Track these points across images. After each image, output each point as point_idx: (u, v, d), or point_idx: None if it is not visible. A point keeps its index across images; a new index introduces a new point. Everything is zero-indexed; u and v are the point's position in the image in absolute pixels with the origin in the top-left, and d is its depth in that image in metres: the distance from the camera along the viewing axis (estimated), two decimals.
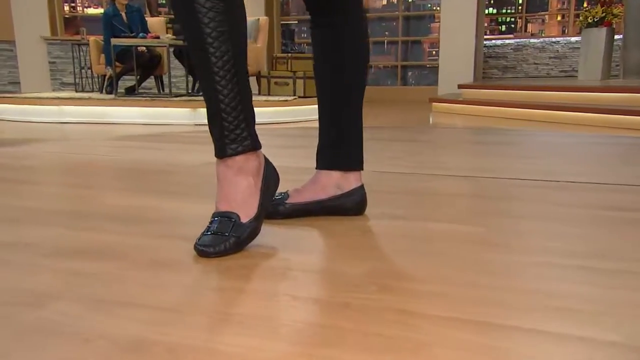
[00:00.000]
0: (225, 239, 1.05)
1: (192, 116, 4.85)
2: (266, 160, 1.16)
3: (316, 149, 1.34)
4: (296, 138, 3.23)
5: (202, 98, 4.99)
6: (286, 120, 4.82)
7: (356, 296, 0.86)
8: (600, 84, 5.28)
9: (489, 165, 2.08)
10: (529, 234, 1.19)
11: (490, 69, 8.94)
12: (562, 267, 0.99)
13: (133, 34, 5.57)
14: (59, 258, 1.05)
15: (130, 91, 5.79)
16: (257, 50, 5.86)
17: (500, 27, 9.30)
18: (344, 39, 1.26)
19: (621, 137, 3.19)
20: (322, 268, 1.00)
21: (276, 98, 4.99)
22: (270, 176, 1.16)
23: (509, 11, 9.05)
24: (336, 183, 1.31)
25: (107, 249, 1.10)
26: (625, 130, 3.87)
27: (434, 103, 6.05)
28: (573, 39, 8.49)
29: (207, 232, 1.07)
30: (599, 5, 6.67)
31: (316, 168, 1.34)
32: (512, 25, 9.09)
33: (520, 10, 8.97)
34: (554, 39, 8.65)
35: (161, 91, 6.20)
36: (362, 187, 1.33)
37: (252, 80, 6.14)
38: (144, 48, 5.59)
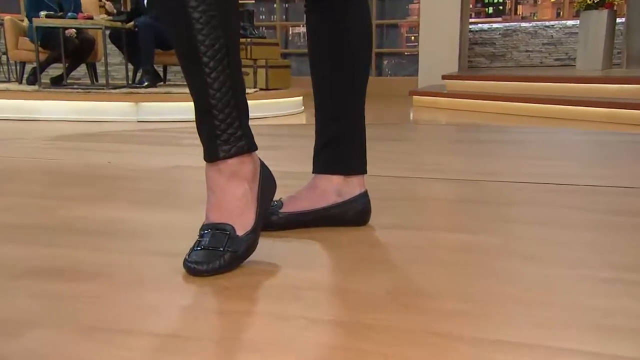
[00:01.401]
0: (220, 254, 1.08)
1: (135, 111, 4.81)
2: (261, 163, 1.19)
3: (313, 149, 1.38)
4: (268, 137, 3.26)
5: (145, 90, 4.94)
6: (250, 116, 4.82)
7: (378, 317, 0.90)
8: (603, 74, 5.48)
9: (493, 167, 2.17)
10: (552, 243, 1.26)
11: (476, 57, 9.16)
12: (594, 279, 1.05)
13: (61, 14, 5.49)
14: (30, 279, 1.06)
15: (57, 81, 5.70)
16: None
17: (486, 9, 9.55)
18: (349, 22, 1.30)
19: (631, 134, 3.33)
20: (333, 286, 1.03)
21: None
22: (266, 182, 1.19)
23: None
24: (337, 189, 1.35)
25: (85, 268, 1.12)
26: (633, 126, 4.03)
27: (415, 96, 6.17)
28: (569, 22, 8.79)
29: (198, 247, 1.10)
30: None
31: (313, 172, 1.38)
32: (501, 7, 9.35)
33: None
34: (547, 23, 8.93)
35: (95, 82, 6.13)
36: (365, 193, 1.37)
37: None
38: (73, 31, 5.51)
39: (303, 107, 5.55)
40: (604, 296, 0.98)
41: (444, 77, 6.42)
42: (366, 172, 1.38)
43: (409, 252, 1.21)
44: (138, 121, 4.71)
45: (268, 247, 1.21)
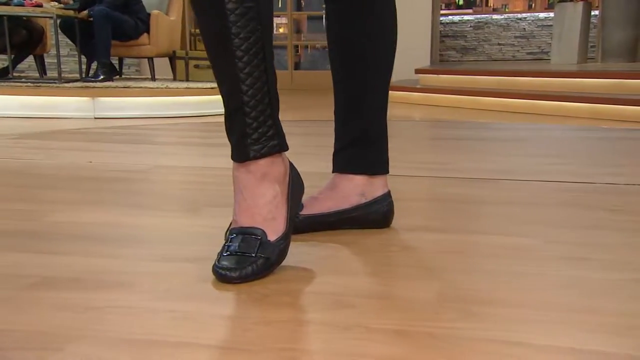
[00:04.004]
0: (252, 260, 1.07)
1: (91, 107, 4.72)
2: (290, 164, 1.18)
3: (333, 148, 1.38)
4: None
5: (102, 84, 4.83)
6: (213, 112, 4.78)
7: (439, 325, 0.90)
8: (581, 69, 5.62)
9: (504, 165, 2.21)
10: (592, 245, 1.28)
11: (446, 51, 9.27)
12: None
13: (6, 0, 5.34)
14: (48, 290, 1.03)
15: (2, 74, 5.56)
16: (170, 25, 5.79)
17: (457, 0, 9.66)
18: (375, 13, 1.30)
19: (620, 130, 3.42)
20: (379, 292, 1.03)
21: (199, 85, 4.95)
22: (295, 183, 1.18)
23: None
24: (361, 190, 1.35)
25: (101, 276, 1.09)
26: (613, 122, 4.13)
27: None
28: (541, 15, 8.97)
29: (227, 252, 1.08)
30: None
31: (334, 171, 1.38)
32: None
33: None
34: (519, 15, 9.11)
35: (43, 75, 5.99)
36: (389, 194, 1.38)
37: (165, 63, 6.06)
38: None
39: None
40: None
41: (417, 71, 6.49)
42: (389, 172, 1.39)
43: (446, 256, 1.21)
44: (95, 117, 4.63)
45: (294, 251, 1.19)
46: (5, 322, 0.91)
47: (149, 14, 5.57)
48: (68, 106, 4.73)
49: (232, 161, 1.13)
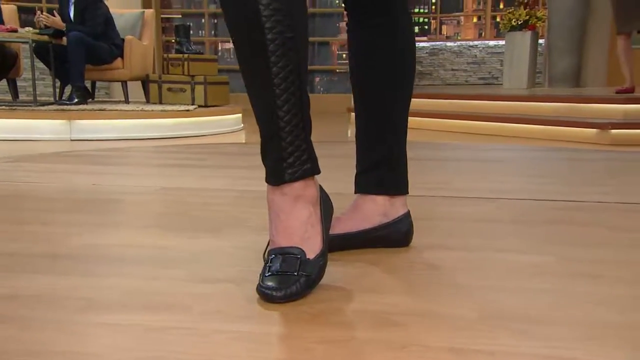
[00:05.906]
0: (295, 279, 1.05)
1: (67, 129, 4.62)
2: (319, 186, 1.18)
3: (356, 169, 1.37)
4: (225, 157, 3.21)
5: (77, 107, 4.72)
6: (189, 134, 4.75)
7: (492, 342, 0.90)
8: (531, 93, 5.76)
9: (497, 185, 2.25)
10: (612, 263, 1.29)
11: None
12: None
13: None
14: (101, 312, 1.00)
15: None
16: (143, 50, 5.73)
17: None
18: (397, 40, 1.30)
19: (585, 151, 3.51)
20: (423, 310, 1.02)
21: (174, 108, 4.90)
22: (326, 204, 1.17)
23: (422, 11, 9.56)
24: (383, 210, 1.34)
25: (151, 298, 1.06)
26: (566, 142, 4.26)
27: (352, 113, 6.27)
28: (491, 42, 9.19)
29: (268, 272, 1.07)
30: (522, 7, 7.29)
31: (356, 192, 1.37)
32: (426, 27, 9.62)
33: (434, 10, 9.51)
34: (471, 43, 9.31)
35: (15, 98, 5.84)
36: (408, 214, 1.38)
37: (136, 86, 5.99)
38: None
39: (242, 125, 5.51)
40: None
41: None
42: (408, 193, 1.39)
43: (470, 274, 1.21)
44: (71, 140, 4.53)
45: (325, 271, 1.18)
46: (62, 344, 0.88)
47: (123, 39, 5.51)
48: (44, 129, 4.63)
49: (266, 184, 1.13)
